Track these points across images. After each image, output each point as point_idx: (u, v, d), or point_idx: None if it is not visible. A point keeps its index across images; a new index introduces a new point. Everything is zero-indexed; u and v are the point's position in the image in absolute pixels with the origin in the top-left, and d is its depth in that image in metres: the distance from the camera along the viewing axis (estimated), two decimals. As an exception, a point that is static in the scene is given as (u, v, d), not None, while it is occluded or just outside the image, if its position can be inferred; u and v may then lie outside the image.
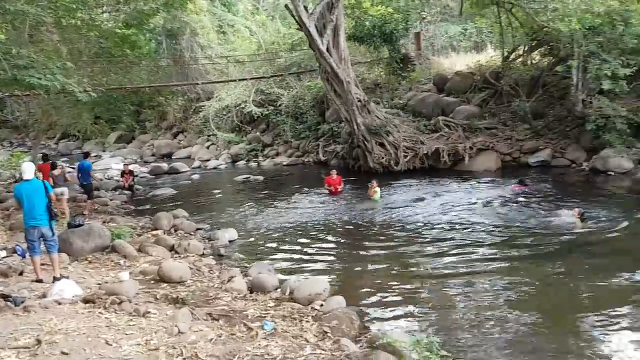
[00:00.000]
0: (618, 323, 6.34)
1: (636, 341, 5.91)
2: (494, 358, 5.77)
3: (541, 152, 17.72)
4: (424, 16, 28.59)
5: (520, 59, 21.49)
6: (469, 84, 21.75)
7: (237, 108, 26.34)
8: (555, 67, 19.21)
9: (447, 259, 9.04)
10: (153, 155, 28.85)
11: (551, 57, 20.20)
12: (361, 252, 9.88)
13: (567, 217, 10.79)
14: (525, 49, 21.20)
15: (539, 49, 20.90)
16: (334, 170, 16.06)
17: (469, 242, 9.92)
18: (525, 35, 20.50)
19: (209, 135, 28.23)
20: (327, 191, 15.43)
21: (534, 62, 21.25)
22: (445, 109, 20.41)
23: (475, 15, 25.40)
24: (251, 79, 25.62)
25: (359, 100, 17.83)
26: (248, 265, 9.18)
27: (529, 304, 7.07)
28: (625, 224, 10.28)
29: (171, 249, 10.09)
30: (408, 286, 7.94)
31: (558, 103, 18.93)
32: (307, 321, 6.39)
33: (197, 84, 27.53)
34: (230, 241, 11.00)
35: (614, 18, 15.84)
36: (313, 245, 10.44)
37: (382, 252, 9.77)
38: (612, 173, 15.25)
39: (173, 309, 6.66)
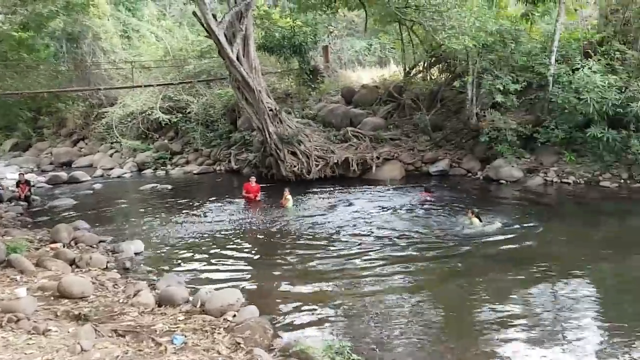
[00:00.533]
0: (512, 321, 6.79)
1: (528, 340, 6.36)
2: (403, 358, 5.95)
3: (440, 162, 18.62)
4: (332, 30, 29.27)
5: (420, 75, 22.60)
6: (375, 97, 22.49)
7: (143, 115, 25.38)
8: (452, 82, 20.33)
9: (357, 264, 9.25)
10: (51, 163, 26.97)
11: (448, 73, 21.41)
12: (275, 261, 9.83)
13: (465, 219, 11.59)
14: (425, 65, 22.35)
15: (438, 66, 22.11)
16: (253, 177, 15.86)
17: (378, 247, 10.23)
18: (425, 52, 21.61)
19: (112, 143, 26.97)
20: (242, 199, 15.24)
21: (433, 77, 22.41)
22: (353, 120, 20.91)
23: (379, 31, 26.39)
24: (158, 85, 24.78)
25: (271, 110, 17.81)
26: (156, 278, 8.81)
27: (433, 304, 7.39)
28: (516, 226, 11.13)
29: (72, 263, 9.45)
30: (321, 293, 8.01)
31: (455, 116, 20.03)
32: (219, 333, 6.23)
33: (100, 89, 26.22)
34: (136, 253, 10.49)
35: (505, 37, 17.09)
36: (225, 256, 10.24)
37: (295, 260, 9.78)
38: (504, 182, 16.35)
39: (75, 326, 6.23)
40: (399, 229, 11.46)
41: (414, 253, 9.78)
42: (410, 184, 17.00)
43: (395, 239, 10.73)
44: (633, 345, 6.04)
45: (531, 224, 11.35)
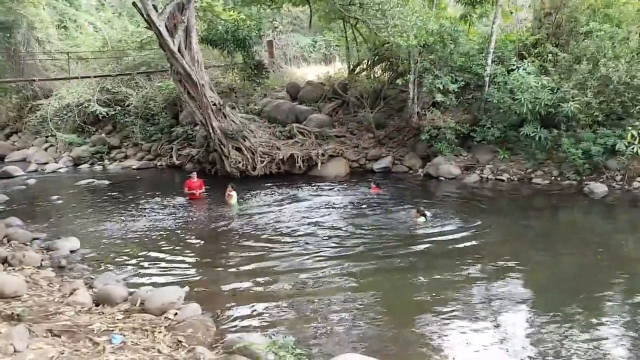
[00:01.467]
0: (451, 315, 7.01)
1: (465, 332, 6.58)
2: (345, 349, 6.03)
3: (384, 159, 18.91)
4: (276, 25, 29.10)
5: (364, 73, 22.83)
6: (320, 93, 22.58)
7: (80, 107, 24.42)
8: (394, 81, 20.72)
9: (303, 262, 9.26)
10: (-19, 158, 25.53)
11: (391, 72, 21.76)
12: (218, 259, 9.71)
13: (411, 217, 11.89)
14: (369, 63, 22.60)
15: (381, 64, 22.42)
16: (194, 173, 15.52)
17: (324, 245, 10.27)
18: (369, 50, 21.84)
19: (47, 136, 25.85)
20: (184, 196, 14.93)
21: (376, 76, 22.70)
22: (298, 117, 20.91)
23: (323, 28, 26.47)
24: (96, 77, 23.88)
25: (214, 104, 17.52)
26: (93, 277, 8.54)
27: (376, 301, 7.51)
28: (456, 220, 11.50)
29: (4, 261, 9.00)
30: (264, 289, 7.99)
31: (397, 114, 20.39)
32: (159, 332, 6.10)
33: (34, 80, 24.98)
34: (72, 251, 10.12)
35: (444, 37, 17.53)
36: (166, 253, 10.02)
37: (239, 257, 9.69)
38: (443, 178, 16.81)
39: (8, 327, 5.92)
40: (345, 226, 11.57)
41: (360, 250, 9.88)
42: (355, 180, 17.19)
43: (341, 236, 10.82)
44: (564, 333, 6.37)
45: (469, 220, 11.72)
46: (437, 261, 9.16)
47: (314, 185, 16.57)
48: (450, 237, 10.52)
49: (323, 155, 18.79)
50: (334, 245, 10.22)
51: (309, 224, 11.90)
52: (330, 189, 15.98)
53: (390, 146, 19.59)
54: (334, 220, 12.11)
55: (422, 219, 11.54)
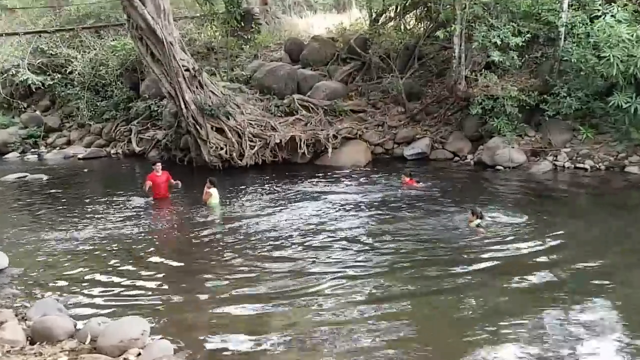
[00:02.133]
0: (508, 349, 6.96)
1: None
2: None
3: (418, 142, 18.91)
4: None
5: (392, 23, 22.76)
6: (331, 53, 22.57)
7: (5, 76, 24.65)
8: (433, 34, 20.52)
9: (307, 280, 9.18)
10: None
11: (429, 22, 21.68)
12: (193, 279, 9.70)
13: (456, 221, 11.87)
14: (398, 9, 22.48)
15: (415, 11, 22.31)
16: (158, 164, 15.61)
17: (338, 258, 10.20)
18: (398, -9, 21.76)
19: (-40, 116, 26.05)
20: (145, 195, 15.01)
21: (408, 27, 22.62)
22: (301, 85, 20.91)
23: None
24: (26, 33, 24.09)
25: (187, 70, 17.55)
26: (27, 305, 8.57)
27: (411, 331, 7.45)
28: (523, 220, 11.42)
29: None
30: (257, 319, 7.95)
31: (437, 81, 20.34)
32: (118, 379, 6.12)
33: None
34: (-3, 270, 10.20)
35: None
36: (124, 272, 10.02)
37: (223, 276, 9.66)
38: (501, 167, 16.77)
39: None
40: (366, 235, 11.50)
41: (388, 267, 9.76)
42: (379, 171, 17.15)
43: (361, 249, 10.72)
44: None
45: (539, 225, 11.64)
46: (496, 281, 9.08)
47: (323, 179, 16.62)
48: (513, 248, 10.43)
49: (335, 137, 18.79)
50: (351, 260, 10.13)
51: (316, 231, 11.86)
52: (346, 184, 16.01)
53: (428, 124, 19.56)
54: (352, 227, 12.06)
55: (476, 221, 11.49)
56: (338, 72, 21.79)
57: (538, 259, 9.93)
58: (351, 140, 19.13)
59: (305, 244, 11.15)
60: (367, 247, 10.85)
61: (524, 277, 9.16)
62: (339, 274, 9.53)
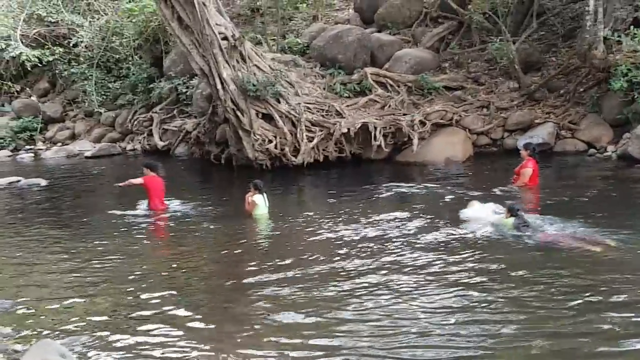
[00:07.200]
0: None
1: None
2: None
3: (538, 129, 18.50)
4: None
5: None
6: (417, 10, 22.41)
7: (-7, 51, 25.27)
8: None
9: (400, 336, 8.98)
10: None
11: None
12: (240, 319, 9.52)
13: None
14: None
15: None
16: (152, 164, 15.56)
17: (439, 293, 9.83)
18: None
19: None
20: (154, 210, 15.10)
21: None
22: (376, 55, 20.79)
23: None
24: (18, -6, 24.65)
25: (225, 38, 17.61)
26: (19, 349, 8.71)
27: None
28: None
29: None
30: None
31: (563, 46, 19.93)
32: None
33: None
34: (-14, 303, 10.43)
35: None
36: (146, 305, 10.04)
37: (277, 312, 9.54)
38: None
39: None
40: (475, 272, 11.04)
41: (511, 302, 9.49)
42: (484, 170, 16.82)
43: (472, 278, 10.41)
44: None
45: None
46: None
47: (406, 181, 16.27)
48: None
49: (423, 124, 18.57)
50: (460, 298, 9.82)
51: (407, 254, 11.41)
52: (440, 186, 15.62)
53: (551, 104, 19.22)
54: (455, 250, 11.61)
55: (510, 220, 11.82)
56: (426, 36, 21.56)
57: None
58: (445, 127, 18.85)
59: (390, 267, 10.76)
60: (478, 288, 10.44)
61: None
62: (442, 323, 9.23)
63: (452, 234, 12.49)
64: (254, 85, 17.66)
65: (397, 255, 11.60)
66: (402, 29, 22.02)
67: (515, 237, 11.60)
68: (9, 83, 26.03)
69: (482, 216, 12.69)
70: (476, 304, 9.14)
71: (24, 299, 10.70)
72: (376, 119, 18.52)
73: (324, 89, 19.60)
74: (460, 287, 9.90)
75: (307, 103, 18.57)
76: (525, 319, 8.54)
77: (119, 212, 15.11)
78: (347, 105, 19.03)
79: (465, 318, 8.73)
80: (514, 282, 9.94)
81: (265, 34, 22.28)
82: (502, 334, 8.19)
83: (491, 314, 8.82)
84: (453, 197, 15.04)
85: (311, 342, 8.33)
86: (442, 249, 11.73)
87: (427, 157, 18.18)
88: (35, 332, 9.34)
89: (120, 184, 15.01)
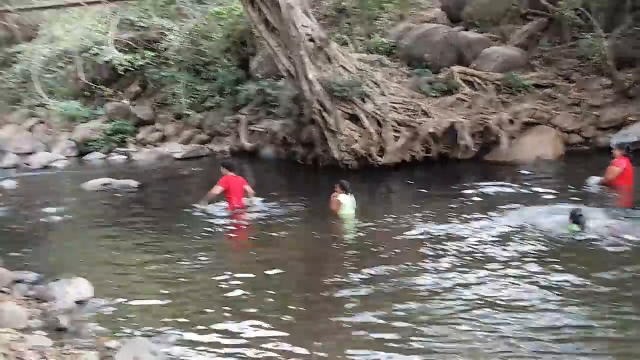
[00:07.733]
0: None
1: None
2: None
3: (632, 127, 18.17)
4: None
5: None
6: (505, 7, 22.17)
7: (85, 56, 25.77)
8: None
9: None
10: None
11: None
12: (332, 324, 9.58)
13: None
14: None
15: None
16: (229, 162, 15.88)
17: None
18: None
19: (32, 107, 27.57)
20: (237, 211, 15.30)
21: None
22: (464, 53, 20.68)
23: None
24: (110, 0, 25.07)
25: (311, 40, 17.73)
26: (114, 346, 8.88)
27: None
28: None
29: (-32, 320, 9.67)
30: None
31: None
32: None
33: (8, 11, 26.76)
34: (78, 302, 10.57)
35: None
36: (235, 304, 10.15)
37: (367, 317, 9.47)
38: None
39: None
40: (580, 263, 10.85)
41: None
42: (577, 169, 16.55)
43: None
44: None
45: None
46: None
47: (496, 182, 16.11)
48: None
49: (512, 122, 18.42)
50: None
51: (503, 258, 11.11)
52: (532, 186, 15.47)
53: (648, 102, 18.86)
54: (552, 252, 11.45)
55: (573, 226, 11.56)
56: (516, 33, 21.39)
57: None
58: (535, 126, 18.68)
59: (491, 273, 10.50)
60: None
61: None
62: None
63: (547, 238, 12.09)
64: (339, 85, 17.76)
65: (488, 259, 11.32)
66: (489, 26, 21.87)
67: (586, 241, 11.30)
68: (101, 87, 26.50)
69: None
70: (592, 321, 8.56)
71: (117, 297, 10.88)
72: (463, 118, 18.42)
73: (410, 88, 19.59)
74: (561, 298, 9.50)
75: (393, 103, 18.59)
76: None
77: (204, 211, 15.39)
78: (434, 105, 19.00)
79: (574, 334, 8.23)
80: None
81: (351, 34, 22.35)
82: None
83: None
84: (546, 197, 14.86)
85: (401, 345, 8.31)
86: (536, 253, 11.36)
87: (517, 156, 18.05)
88: (127, 330, 9.50)
89: (198, 206, 15.31)
